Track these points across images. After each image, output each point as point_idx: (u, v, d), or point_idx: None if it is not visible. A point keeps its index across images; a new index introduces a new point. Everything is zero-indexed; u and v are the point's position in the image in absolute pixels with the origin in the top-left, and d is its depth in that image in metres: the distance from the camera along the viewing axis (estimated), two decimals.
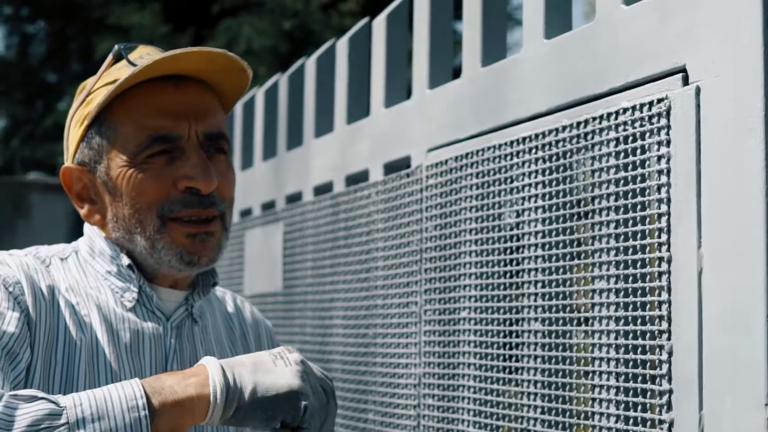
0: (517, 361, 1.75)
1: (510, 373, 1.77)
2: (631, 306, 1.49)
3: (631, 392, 1.47)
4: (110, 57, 1.60)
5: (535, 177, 1.73)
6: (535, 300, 1.70)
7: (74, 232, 6.26)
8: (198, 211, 1.55)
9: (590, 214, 1.59)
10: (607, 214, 1.55)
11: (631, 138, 1.51)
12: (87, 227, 1.65)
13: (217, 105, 1.60)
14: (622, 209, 1.52)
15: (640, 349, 1.47)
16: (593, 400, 1.55)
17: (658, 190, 1.45)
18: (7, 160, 14.56)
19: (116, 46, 1.59)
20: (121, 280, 1.59)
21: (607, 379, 1.52)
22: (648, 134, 1.48)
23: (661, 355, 1.42)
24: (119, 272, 1.59)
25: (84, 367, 1.51)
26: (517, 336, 1.75)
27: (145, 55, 1.58)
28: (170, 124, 1.54)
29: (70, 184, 1.62)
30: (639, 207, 1.49)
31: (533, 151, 1.74)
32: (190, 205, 1.55)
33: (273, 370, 1.36)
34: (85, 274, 1.60)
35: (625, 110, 1.53)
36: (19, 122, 14.68)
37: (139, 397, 1.29)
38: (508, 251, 1.80)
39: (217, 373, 1.34)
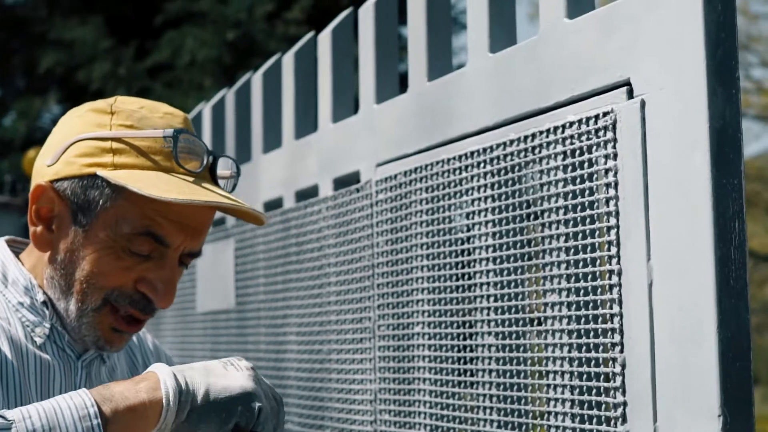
0: (472, 375, 1.76)
1: (465, 387, 1.77)
2: (583, 319, 1.49)
3: (586, 405, 1.48)
4: (162, 133, 1.51)
5: (484, 191, 1.73)
6: (488, 313, 1.71)
7: None
8: (138, 313, 1.54)
9: (540, 228, 1.59)
10: (557, 228, 1.55)
11: (578, 151, 1.52)
12: (1, 249, 1.59)
13: (211, 222, 1.58)
14: (571, 222, 1.53)
15: (593, 361, 1.47)
16: (549, 413, 1.55)
17: (607, 203, 1.46)
18: None
19: (174, 132, 1.51)
20: (33, 314, 1.54)
21: (562, 392, 1.53)
22: (595, 147, 1.49)
23: (614, 367, 1.43)
24: (32, 305, 1.54)
25: None
26: (472, 350, 1.76)
27: (189, 149, 1.52)
28: (171, 232, 1.50)
29: (37, 199, 1.53)
30: (588, 220, 1.49)
31: (481, 165, 1.74)
32: (136, 305, 1.53)
33: (225, 374, 1.36)
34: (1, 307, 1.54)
35: (571, 124, 1.54)
36: None
37: (90, 406, 1.27)
38: (460, 265, 1.81)
39: (168, 376, 1.33)
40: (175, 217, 1.49)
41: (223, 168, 1.59)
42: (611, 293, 1.44)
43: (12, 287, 1.55)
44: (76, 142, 1.51)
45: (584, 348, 1.49)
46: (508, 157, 1.68)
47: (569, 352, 1.52)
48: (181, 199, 1.43)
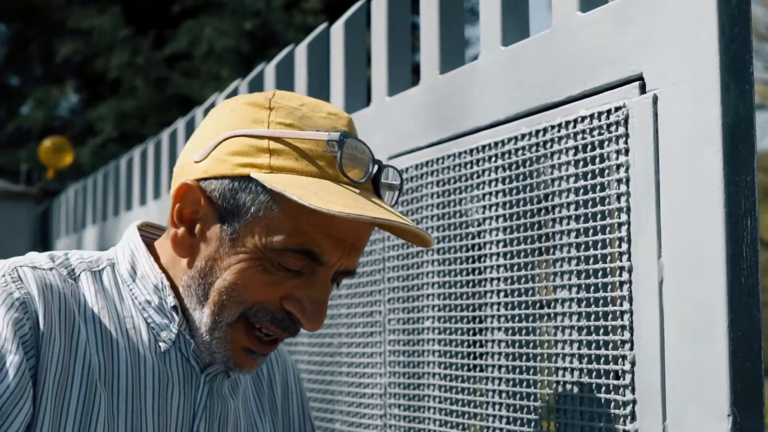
0: (481, 370, 1.74)
1: (475, 382, 1.76)
2: (593, 316, 1.48)
3: (595, 402, 1.46)
4: (327, 135, 1.33)
5: (496, 185, 1.72)
6: (498, 309, 1.70)
7: (37, 240, 6.20)
8: (278, 331, 1.37)
9: (551, 223, 1.58)
10: (568, 223, 1.54)
11: (589, 146, 1.51)
12: (131, 237, 1.45)
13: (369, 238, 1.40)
14: (582, 218, 1.51)
15: (603, 358, 1.46)
16: (558, 409, 1.54)
17: (618, 199, 1.44)
18: None
19: (341, 136, 1.32)
20: (161, 316, 1.39)
21: (571, 389, 1.51)
22: (606, 143, 1.47)
23: (624, 365, 1.41)
24: (160, 306, 1.40)
25: (102, 423, 1.32)
26: (481, 344, 1.74)
27: (354, 156, 1.34)
28: (328, 249, 1.32)
29: (181, 198, 1.36)
30: (599, 216, 1.48)
31: (493, 159, 1.73)
32: (278, 323, 1.36)
33: None
34: (120, 297, 1.40)
35: (583, 118, 1.52)
36: None
37: None
38: (470, 260, 1.79)
39: None
40: (334, 232, 1.32)
41: (388, 178, 1.40)
42: (621, 290, 1.42)
43: (140, 282, 1.41)
44: (229, 138, 1.34)
45: (594, 345, 1.47)
46: (520, 152, 1.66)
47: (579, 348, 1.50)
48: (348, 213, 1.25)
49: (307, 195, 1.26)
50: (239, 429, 1.50)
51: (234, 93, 3.18)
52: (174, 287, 1.40)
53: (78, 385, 1.32)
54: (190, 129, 3.61)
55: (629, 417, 1.40)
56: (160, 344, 1.39)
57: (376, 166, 1.36)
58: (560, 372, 1.54)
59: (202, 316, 1.37)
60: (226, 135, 1.34)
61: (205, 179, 1.34)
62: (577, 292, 1.51)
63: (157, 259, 1.44)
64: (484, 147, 1.75)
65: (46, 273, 1.34)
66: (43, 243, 6.18)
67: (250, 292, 1.33)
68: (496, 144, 1.72)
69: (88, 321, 1.35)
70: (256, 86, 2.99)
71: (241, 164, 1.32)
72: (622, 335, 1.42)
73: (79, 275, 1.39)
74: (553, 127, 1.59)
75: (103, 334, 1.36)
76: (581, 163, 1.52)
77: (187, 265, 1.38)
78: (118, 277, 1.41)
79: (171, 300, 1.39)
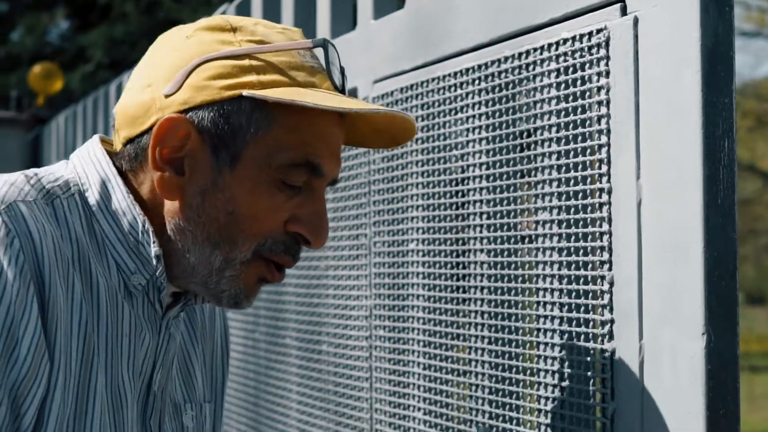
0: (464, 291, 1.76)
1: (458, 303, 1.78)
2: (573, 237, 1.50)
3: (575, 322, 1.49)
4: (312, 42, 1.32)
5: (479, 108, 1.72)
6: (481, 231, 1.71)
7: (28, 167, 6.20)
8: (289, 261, 1.32)
9: (533, 145, 1.59)
10: (549, 146, 1.55)
11: (571, 69, 1.51)
12: (99, 159, 1.33)
13: None
14: (563, 140, 1.52)
15: (582, 279, 1.48)
16: (538, 330, 1.56)
17: (599, 121, 1.45)
18: None
19: (324, 41, 1.32)
20: (132, 258, 1.31)
21: (552, 310, 1.53)
22: (588, 65, 1.48)
23: (603, 285, 1.43)
24: (134, 248, 1.30)
25: (102, 380, 1.28)
26: (464, 267, 1.76)
27: (335, 61, 1.33)
28: (326, 158, 1.30)
29: (160, 138, 1.27)
30: (580, 138, 1.49)
31: (476, 81, 1.73)
32: (290, 252, 1.31)
33: None
34: (92, 233, 1.30)
35: (565, 41, 1.52)
36: None
37: None
38: (454, 182, 1.81)
39: None
40: (329, 140, 1.30)
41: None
42: (601, 211, 1.44)
43: (112, 217, 1.30)
44: (202, 63, 1.27)
45: (574, 266, 1.49)
46: (503, 74, 1.67)
47: (559, 270, 1.52)
48: (369, 110, 1.26)
49: (306, 99, 1.23)
50: (176, 361, 1.46)
51: None
52: (157, 234, 1.31)
53: (77, 341, 1.25)
54: None
55: (607, 336, 1.42)
56: (130, 288, 1.31)
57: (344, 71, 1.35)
58: (541, 293, 1.56)
59: (210, 257, 1.29)
60: (197, 61, 1.27)
61: (188, 110, 1.27)
62: (558, 214, 1.53)
63: (134, 193, 1.33)
64: (467, 70, 1.76)
65: (35, 207, 1.25)
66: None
67: (260, 223, 1.28)
68: (479, 67, 1.73)
69: (71, 267, 1.26)
70: (244, 10, 2.98)
71: (228, 86, 1.26)
72: (602, 256, 1.44)
73: (56, 204, 1.28)
74: (535, 49, 1.59)
75: (83, 276, 1.27)
76: (563, 85, 1.53)
77: (180, 207, 1.29)
78: (90, 208, 1.31)
79: (155, 248, 1.30)
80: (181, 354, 1.47)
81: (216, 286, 1.31)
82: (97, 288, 1.28)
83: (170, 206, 1.30)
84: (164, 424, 1.42)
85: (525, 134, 1.62)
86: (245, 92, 1.25)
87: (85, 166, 1.34)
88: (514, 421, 1.61)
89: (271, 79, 1.27)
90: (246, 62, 1.28)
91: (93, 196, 1.31)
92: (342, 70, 1.34)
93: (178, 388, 1.47)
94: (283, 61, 1.29)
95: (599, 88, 1.45)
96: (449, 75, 1.81)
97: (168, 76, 1.29)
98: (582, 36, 1.48)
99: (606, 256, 1.43)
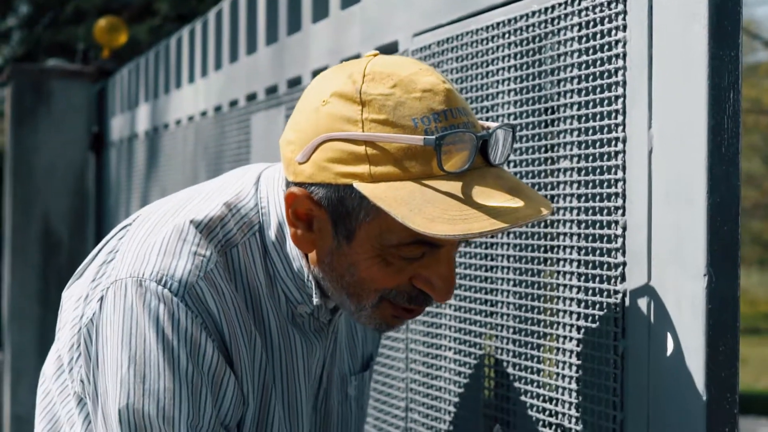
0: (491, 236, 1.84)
1: (486, 248, 1.86)
2: (590, 184, 1.57)
3: (590, 264, 1.56)
4: (423, 141, 1.33)
5: (508, 61, 1.79)
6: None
7: (93, 118, 6.35)
8: (418, 309, 1.45)
9: (556, 96, 1.66)
10: (571, 96, 1.62)
11: (591, 23, 1.58)
12: (278, 203, 1.48)
13: None
14: (584, 91, 1.59)
15: (598, 224, 1.55)
16: (558, 272, 1.64)
17: (616, 73, 1.52)
18: (31, 47, 14.61)
19: (436, 141, 1.33)
20: (300, 294, 1.49)
21: (570, 253, 1.61)
22: (607, 19, 1.54)
23: (616, 230, 1.50)
24: (302, 286, 1.49)
25: (279, 409, 1.50)
26: None
27: (453, 147, 1.34)
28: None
29: (292, 203, 1.41)
30: (598, 89, 1.56)
31: (506, 35, 1.80)
32: (415, 301, 1.43)
33: None
34: (266, 268, 1.48)
35: None
36: (41, 8, 14.69)
37: None
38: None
39: None
40: None
41: (498, 142, 1.41)
42: (616, 159, 1.51)
43: (285, 259, 1.48)
44: (325, 141, 1.37)
45: (590, 211, 1.56)
46: (530, 28, 1.74)
47: (577, 215, 1.59)
48: (454, 235, 1.29)
49: (412, 214, 1.30)
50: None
51: None
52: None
53: (255, 384, 1.47)
54: (234, 9, 3.69)
55: (619, 278, 1.50)
56: (296, 318, 1.50)
57: (480, 143, 1.36)
58: (560, 237, 1.64)
59: (347, 302, 1.44)
60: (322, 138, 1.37)
61: (311, 185, 1.39)
62: (578, 162, 1.60)
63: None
64: (498, 24, 1.83)
65: (213, 275, 1.42)
66: (99, 121, 6.33)
67: (380, 283, 1.40)
68: (509, 21, 1.79)
69: (249, 309, 1.46)
70: None
71: (342, 174, 1.35)
72: (616, 202, 1.51)
73: (230, 252, 1.45)
74: (560, 4, 1.65)
75: (256, 318, 1.47)
76: (584, 39, 1.59)
77: (316, 259, 1.44)
78: (268, 247, 1.48)
79: (316, 300, 1.48)
80: (346, 327, 1.67)
81: (359, 319, 1.47)
82: (268, 325, 1.48)
83: (311, 256, 1.45)
84: (331, 399, 1.60)
85: (549, 85, 1.69)
86: (355, 184, 1.34)
87: (270, 205, 1.49)
88: (535, 359, 1.69)
89: (383, 172, 1.34)
90: (362, 149, 1.35)
91: (270, 237, 1.48)
92: (476, 139, 1.35)
93: (345, 362, 1.66)
94: (401, 148, 1.34)
95: (617, 42, 1.51)
96: (481, 29, 1.88)
97: (302, 141, 1.40)
98: None
99: (620, 202, 1.50)
